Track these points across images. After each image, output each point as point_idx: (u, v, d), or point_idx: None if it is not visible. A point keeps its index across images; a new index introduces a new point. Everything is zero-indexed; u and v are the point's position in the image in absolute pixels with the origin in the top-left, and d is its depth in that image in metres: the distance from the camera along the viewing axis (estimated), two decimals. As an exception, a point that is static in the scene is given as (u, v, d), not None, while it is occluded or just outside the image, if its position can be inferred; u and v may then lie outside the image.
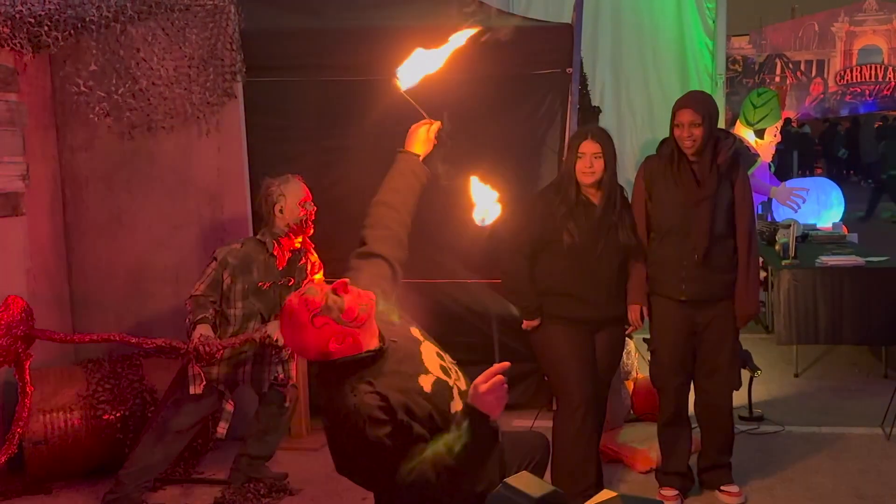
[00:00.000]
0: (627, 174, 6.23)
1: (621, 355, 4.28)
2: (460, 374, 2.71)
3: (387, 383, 2.45)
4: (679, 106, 3.99)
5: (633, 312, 4.05)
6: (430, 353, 2.66)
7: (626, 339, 4.31)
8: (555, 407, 4.06)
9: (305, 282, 4.27)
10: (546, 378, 4.04)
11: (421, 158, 2.96)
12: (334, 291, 2.49)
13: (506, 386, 2.38)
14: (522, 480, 2.32)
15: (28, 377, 4.02)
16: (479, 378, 2.37)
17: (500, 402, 2.36)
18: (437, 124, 2.96)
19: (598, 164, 3.85)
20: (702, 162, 3.97)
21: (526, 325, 3.97)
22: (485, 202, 2.51)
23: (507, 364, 2.41)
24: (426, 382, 2.53)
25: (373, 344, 2.53)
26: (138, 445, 4.15)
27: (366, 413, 2.37)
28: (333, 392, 2.48)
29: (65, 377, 4.51)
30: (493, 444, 2.41)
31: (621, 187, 4.02)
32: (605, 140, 3.88)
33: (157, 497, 4.35)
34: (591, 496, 3.81)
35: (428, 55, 2.81)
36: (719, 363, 4.09)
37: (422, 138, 2.96)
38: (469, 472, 2.39)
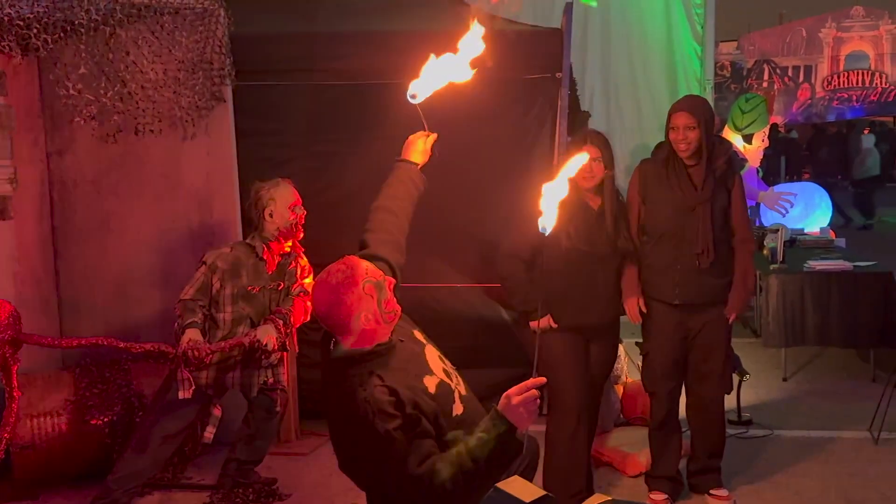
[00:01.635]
0: (618, 179, 6.24)
1: (615, 361, 4.30)
2: (460, 378, 2.75)
3: (395, 379, 2.49)
4: (675, 109, 4.02)
5: (631, 306, 4.04)
6: (433, 356, 2.71)
7: (619, 344, 4.32)
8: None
9: (295, 286, 4.27)
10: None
11: (419, 168, 3.01)
12: (385, 280, 2.62)
13: (538, 401, 2.41)
14: (514, 485, 2.32)
15: (15, 382, 3.99)
16: (513, 390, 2.40)
17: (530, 416, 2.40)
18: (433, 136, 3.01)
19: (598, 168, 3.89)
20: (698, 166, 3.98)
21: (533, 325, 3.92)
22: (549, 211, 2.54)
23: (542, 379, 2.45)
24: (431, 383, 2.57)
25: (383, 339, 2.59)
26: (126, 450, 4.13)
27: (376, 406, 2.41)
28: (341, 385, 2.50)
29: (52, 382, 4.48)
30: (515, 456, 2.45)
31: (617, 191, 4.04)
32: (603, 144, 3.92)
33: (144, 502, 4.32)
34: (582, 500, 3.82)
35: (440, 67, 2.82)
36: (711, 368, 4.09)
37: (419, 149, 3.04)
38: (486, 479, 2.41)
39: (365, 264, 2.61)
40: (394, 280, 2.66)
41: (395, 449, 2.41)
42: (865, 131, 17.33)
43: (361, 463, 2.57)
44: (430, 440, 2.46)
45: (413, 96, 2.82)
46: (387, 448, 2.41)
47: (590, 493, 3.98)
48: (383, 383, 2.46)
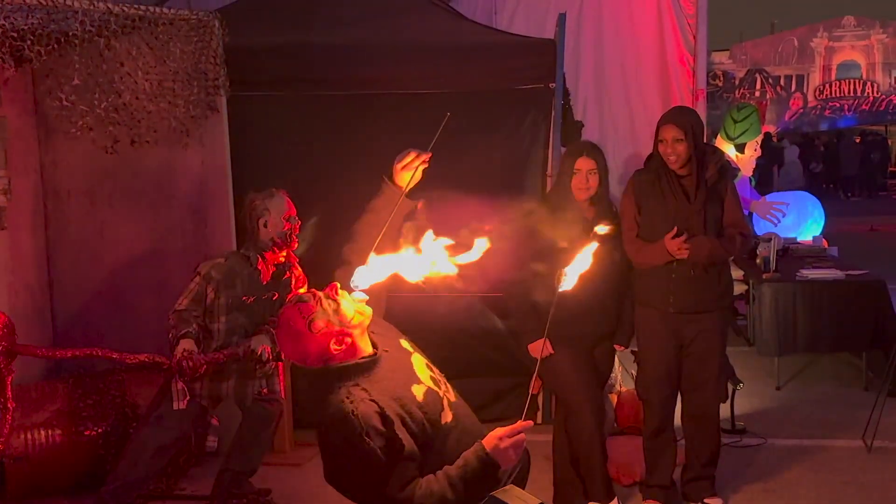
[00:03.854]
0: (611, 188, 6.27)
1: (611, 369, 4.33)
2: (449, 386, 2.74)
3: (381, 390, 2.47)
4: (663, 122, 4.03)
5: (676, 243, 3.93)
6: (420, 365, 2.70)
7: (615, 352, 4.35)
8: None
9: (290, 296, 4.26)
10: (551, 391, 4.07)
11: (405, 191, 2.84)
12: (326, 296, 2.54)
13: (525, 444, 2.49)
14: (510, 494, 2.33)
15: (9, 393, 3.98)
16: (504, 431, 2.45)
17: (516, 457, 2.47)
18: (425, 157, 2.87)
19: (594, 180, 3.92)
20: (690, 176, 4.01)
21: (532, 350, 3.96)
22: (573, 272, 2.56)
23: (530, 423, 2.53)
24: (418, 392, 2.56)
25: (367, 350, 2.57)
26: (120, 461, 4.11)
27: (364, 421, 2.39)
28: (328, 398, 2.49)
29: (46, 393, 4.48)
30: (492, 488, 2.48)
31: (611, 202, 4.08)
32: (598, 156, 3.96)
33: (139, 513, 4.32)
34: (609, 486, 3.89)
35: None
36: (706, 376, 4.11)
37: (407, 175, 2.85)
38: None
39: (299, 305, 2.54)
40: (336, 284, 2.61)
41: (377, 467, 2.40)
42: (857, 140, 17.45)
43: (344, 476, 2.57)
44: (413, 464, 2.45)
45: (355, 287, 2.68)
46: (369, 465, 2.40)
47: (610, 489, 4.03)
48: (370, 397, 2.44)
